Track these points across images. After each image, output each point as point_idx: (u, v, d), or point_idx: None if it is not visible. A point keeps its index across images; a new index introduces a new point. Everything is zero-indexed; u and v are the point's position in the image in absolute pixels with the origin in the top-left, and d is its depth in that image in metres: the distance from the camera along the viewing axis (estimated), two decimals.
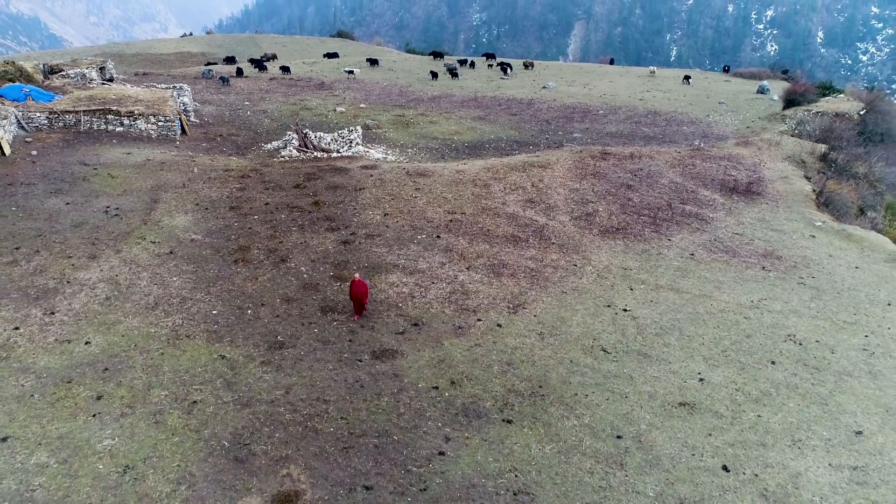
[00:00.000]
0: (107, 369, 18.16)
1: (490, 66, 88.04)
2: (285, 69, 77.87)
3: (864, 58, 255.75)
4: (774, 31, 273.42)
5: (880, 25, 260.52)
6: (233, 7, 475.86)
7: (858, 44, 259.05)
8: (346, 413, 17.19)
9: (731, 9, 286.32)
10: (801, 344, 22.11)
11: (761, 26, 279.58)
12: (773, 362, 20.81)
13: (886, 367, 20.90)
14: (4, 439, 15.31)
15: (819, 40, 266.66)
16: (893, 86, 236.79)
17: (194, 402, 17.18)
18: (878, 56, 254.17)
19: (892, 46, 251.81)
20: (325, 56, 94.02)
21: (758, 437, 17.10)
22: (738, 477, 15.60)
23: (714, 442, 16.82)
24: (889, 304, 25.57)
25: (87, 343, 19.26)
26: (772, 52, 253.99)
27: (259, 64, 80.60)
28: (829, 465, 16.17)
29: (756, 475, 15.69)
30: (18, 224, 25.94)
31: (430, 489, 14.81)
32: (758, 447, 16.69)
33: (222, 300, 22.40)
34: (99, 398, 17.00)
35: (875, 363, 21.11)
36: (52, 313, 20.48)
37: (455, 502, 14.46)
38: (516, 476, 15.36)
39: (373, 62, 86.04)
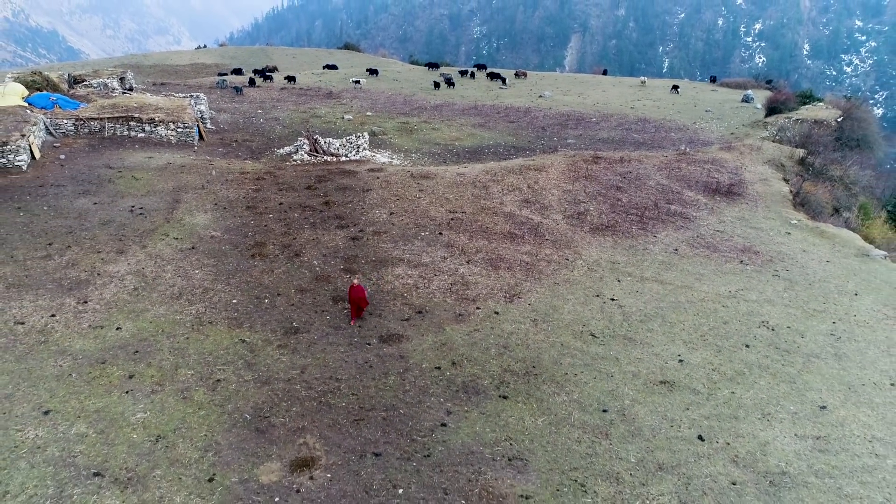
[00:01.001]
0: (137, 352, 18.94)
1: (489, 76, 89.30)
2: (291, 78, 78.95)
3: (849, 69, 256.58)
4: (762, 44, 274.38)
5: (864, 38, 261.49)
6: (243, 21, 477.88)
7: (843, 55, 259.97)
8: (356, 390, 18.04)
9: (720, 22, 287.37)
10: (773, 329, 22.98)
11: (750, 39, 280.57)
12: (747, 346, 21.69)
13: (851, 350, 21.79)
14: (47, 413, 16.07)
15: (805, 52, 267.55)
16: (876, 96, 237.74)
17: (218, 380, 17.99)
18: (862, 67, 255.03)
19: (875, 58, 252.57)
20: (324, 68, 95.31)
21: (731, 410, 17.98)
22: (711, 445, 16.48)
23: (691, 415, 17.70)
24: (856, 295, 26.46)
25: (118, 329, 20.04)
26: (760, 64, 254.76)
27: (262, 74, 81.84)
28: (795, 435, 17.03)
29: (728, 444, 16.56)
30: (50, 222, 26.73)
31: (433, 455, 15.66)
32: (730, 420, 17.57)
33: (241, 290, 23.26)
34: (131, 377, 17.76)
35: (841, 346, 21.99)
36: (85, 302, 21.29)
37: (456, 467, 15.32)
38: (511, 444, 16.23)
39: (372, 72, 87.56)
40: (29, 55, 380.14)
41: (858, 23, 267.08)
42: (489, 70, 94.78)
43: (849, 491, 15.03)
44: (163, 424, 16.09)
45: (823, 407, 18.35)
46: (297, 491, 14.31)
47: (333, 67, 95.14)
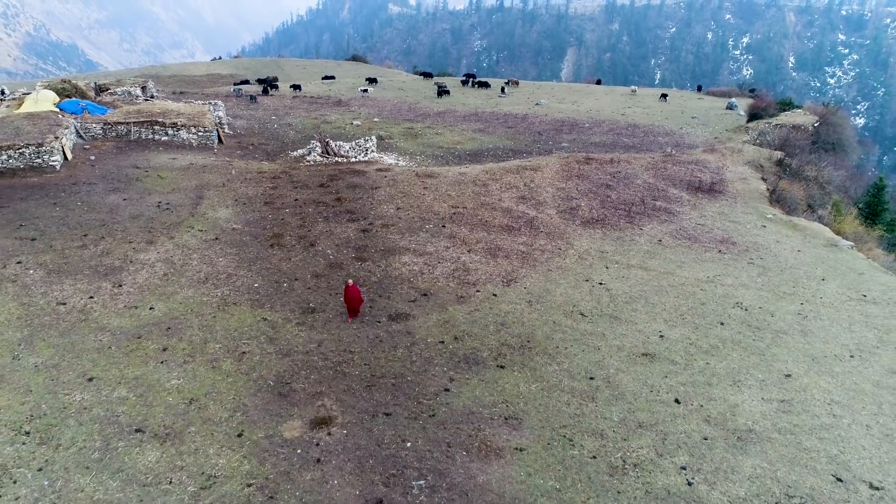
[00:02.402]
0: (169, 328, 20.04)
1: (478, 85, 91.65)
2: (296, 87, 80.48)
3: (832, 81, 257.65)
4: (750, 57, 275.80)
5: (846, 51, 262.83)
6: (254, 35, 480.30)
7: (827, 68, 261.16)
8: (368, 360, 19.14)
9: (710, 36, 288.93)
10: (746, 310, 24.01)
11: (738, 52, 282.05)
12: (721, 323, 22.73)
13: (816, 327, 22.85)
14: (90, 379, 17.20)
15: (791, 64, 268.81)
16: (858, 106, 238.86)
17: (243, 352, 19.08)
18: (845, 79, 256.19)
19: (858, 70, 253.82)
20: (323, 79, 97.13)
21: (705, 378, 19.05)
22: (686, 407, 17.56)
23: (669, 382, 18.77)
24: (823, 280, 27.51)
25: (151, 308, 21.13)
26: (747, 76, 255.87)
27: (268, 83, 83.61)
28: (762, 398, 18.11)
29: (701, 406, 17.64)
30: (84, 216, 27.82)
31: (438, 415, 16.74)
32: (704, 386, 18.64)
33: (262, 276, 24.37)
34: (165, 350, 18.85)
35: (807, 324, 23.04)
36: (120, 286, 22.38)
37: (458, 424, 16.43)
38: (507, 406, 17.31)
39: (372, 80, 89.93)
40: (50, 68, 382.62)
41: (842, 36, 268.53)
42: (478, 79, 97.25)
43: (807, 445, 16.11)
44: (195, 389, 17.18)
45: (788, 375, 19.42)
46: (317, 444, 15.43)
47: (331, 78, 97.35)
